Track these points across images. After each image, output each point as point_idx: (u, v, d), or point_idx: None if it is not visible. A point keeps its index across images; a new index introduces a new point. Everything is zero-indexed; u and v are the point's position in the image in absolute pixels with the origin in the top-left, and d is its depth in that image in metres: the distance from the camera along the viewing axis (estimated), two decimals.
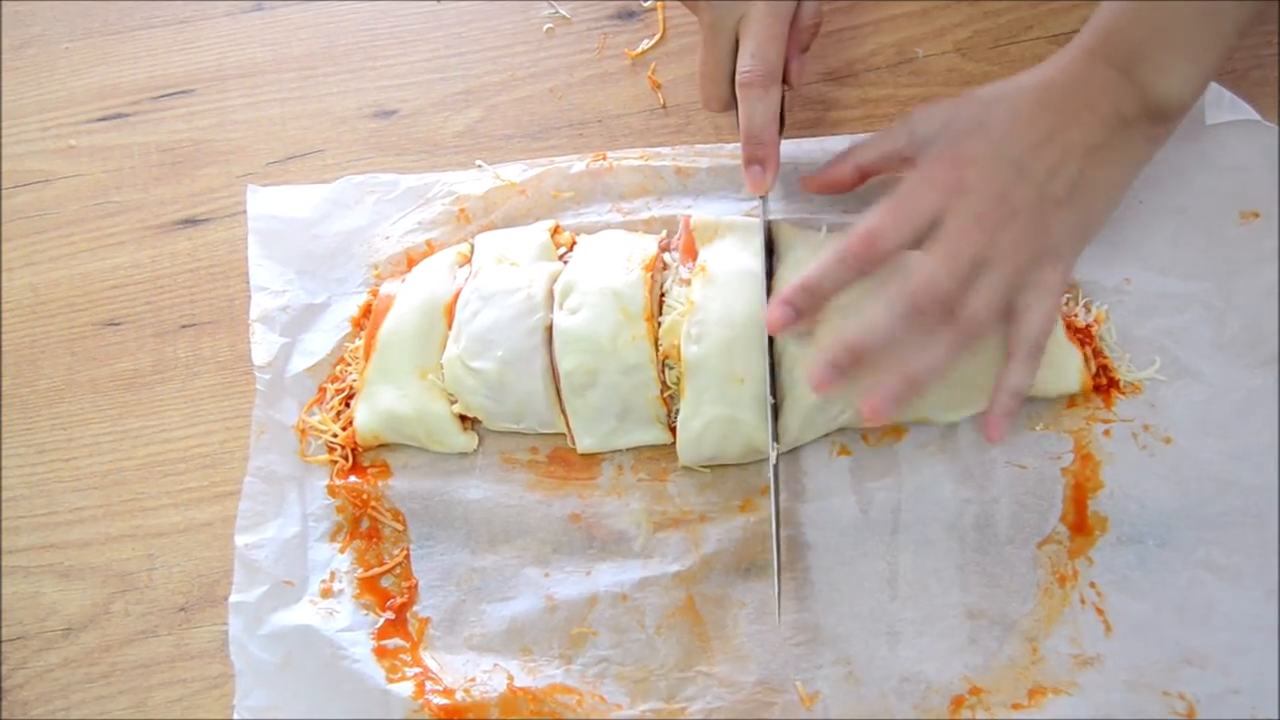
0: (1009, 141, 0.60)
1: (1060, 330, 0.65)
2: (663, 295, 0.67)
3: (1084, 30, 0.63)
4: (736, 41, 0.65)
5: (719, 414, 0.64)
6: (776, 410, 0.64)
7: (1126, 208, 0.68)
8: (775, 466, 0.63)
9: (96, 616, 0.68)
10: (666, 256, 0.70)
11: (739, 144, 0.72)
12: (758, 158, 0.66)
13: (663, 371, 0.66)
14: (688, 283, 0.67)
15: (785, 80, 0.67)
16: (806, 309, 0.60)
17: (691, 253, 0.68)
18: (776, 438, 0.64)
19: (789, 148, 0.73)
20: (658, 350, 0.65)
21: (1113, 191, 0.62)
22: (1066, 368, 0.65)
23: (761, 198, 0.68)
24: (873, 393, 0.58)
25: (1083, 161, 0.60)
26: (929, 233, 0.58)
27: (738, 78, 0.65)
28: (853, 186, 0.68)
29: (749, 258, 0.66)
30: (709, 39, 0.66)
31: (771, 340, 0.64)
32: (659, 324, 0.66)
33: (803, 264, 0.65)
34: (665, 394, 0.66)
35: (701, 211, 0.72)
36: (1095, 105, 0.61)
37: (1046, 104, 0.61)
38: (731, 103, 0.68)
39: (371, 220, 0.75)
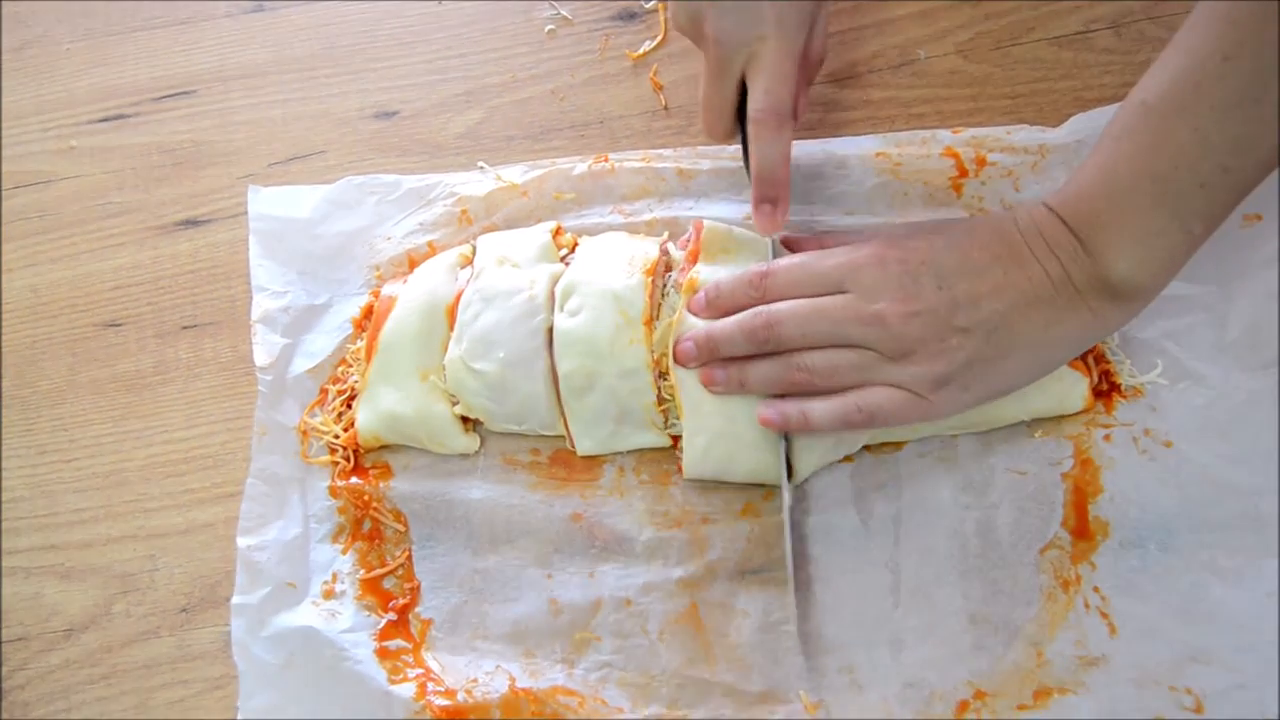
0: (948, 253, 0.59)
1: None
2: (664, 296, 0.67)
3: (1062, 186, 0.61)
4: (742, 77, 0.64)
5: (722, 430, 0.64)
6: (787, 440, 0.64)
7: None
8: (789, 498, 0.63)
9: (98, 617, 0.68)
10: (671, 248, 0.69)
11: (739, 145, 0.72)
12: (770, 197, 0.65)
13: (659, 378, 0.65)
14: (679, 286, 0.67)
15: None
16: (706, 358, 0.63)
17: (695, 258, 0.68)
18: (790, 462, 0.64)
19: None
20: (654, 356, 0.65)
21: (1032, 352, 0.59)
22: (1072, 394, 0.65)
23: (771, 240, 0.67)
24: (715, 367, 0.63)
25: (1011, 307, 0.58)
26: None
27: (751, 116, 0.63)
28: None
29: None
30: (715, 76, 0.65)
31: None
32: (655, 329, 0.66)
33: None
34: (661, 404, 0.66)
35: (704, 213, 0.72)
36: (1046, 262, 0.58)
37: (1001, 240, 0.59)
38: (734, 133, 0.68)
39: (373, 221, 0.75)
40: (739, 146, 0.74)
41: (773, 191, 0.65)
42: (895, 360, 0.59)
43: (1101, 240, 0.57)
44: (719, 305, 0.64)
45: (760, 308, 0.62)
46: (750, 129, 0.64)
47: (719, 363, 0.63)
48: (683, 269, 0.68)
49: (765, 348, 0.62)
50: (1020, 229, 0.60)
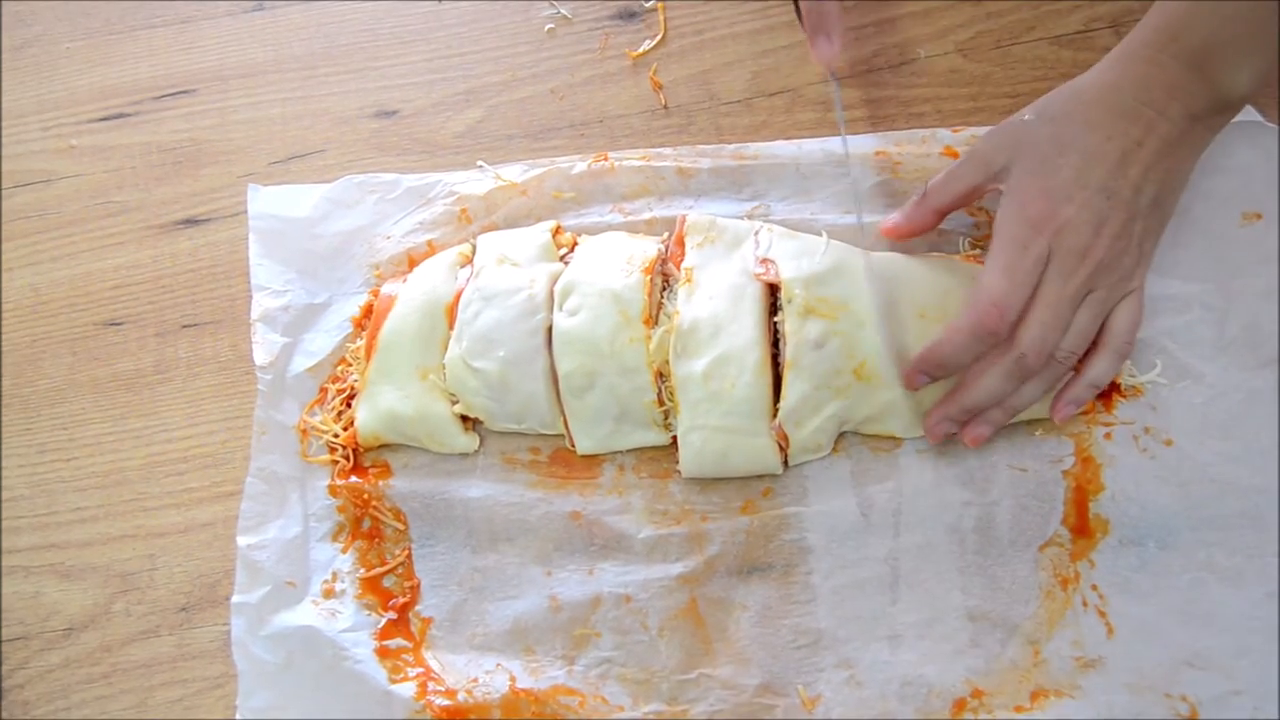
0: (1092, 165, 0.61)
1: None
2: (663, 299, 0.67)
3: (1143, 27, 0.63)
4: None
5: (719, 426, 0.64)
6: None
7: None
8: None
9: (97, 616, 0.68)
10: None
11: (740, 144, 0.72)
12: (822, 29, 0.66)
13: (659, 377, 0.65)
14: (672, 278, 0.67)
15: None
16: (938, 377, 0.63)
17: (681, 244, 0.68)
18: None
19: (789, 149, 0.73)
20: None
21: (1181, 185, 0.64)
22: None
23: (834, 80, 0.69)
24: (978, 423, 0.63)
25: (1161, 169, 0.61)
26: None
27: None
28: (933, 228, 0.68)
29: (735, 266, 0.66)
30: None
31: (775, 347, 0.65)
32: (649, 335, 0.65)
33: (802, 268, 0.65)
34: (661, 404, 0.66)
35: (704, 212, 0.72)
36: (1166, 108, 0.61)
37: (1118, 112, 0.61)
38: None
39: (373, 220, 0.75)
40: (739, 145, 0.74)
41: (823, 23, 0.66)
42: (1118, 281, 0.61)
43: (1218, 65, 0.61)
44: (955, 366, 0.62)
45: (975, 296, 0.61)
46: None
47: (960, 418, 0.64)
48: (671, 259, 0.68)
49: (1001, 338, 0.61)
50: (1128, 92, 0.62)
